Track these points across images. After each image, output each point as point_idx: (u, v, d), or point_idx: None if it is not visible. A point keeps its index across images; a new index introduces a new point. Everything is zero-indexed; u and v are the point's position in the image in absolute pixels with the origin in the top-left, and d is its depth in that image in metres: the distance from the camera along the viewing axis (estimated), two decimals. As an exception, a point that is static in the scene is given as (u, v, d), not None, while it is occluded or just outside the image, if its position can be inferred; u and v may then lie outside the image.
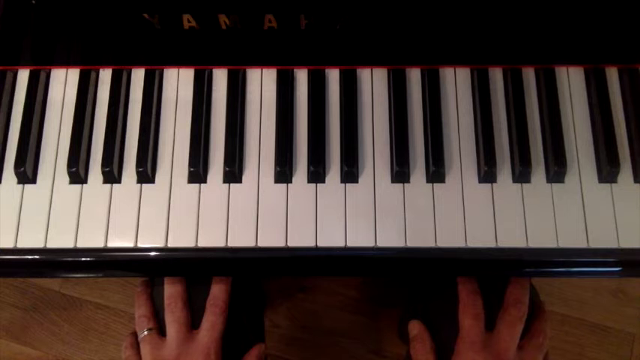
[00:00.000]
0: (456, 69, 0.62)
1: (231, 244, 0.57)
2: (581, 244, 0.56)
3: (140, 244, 0.57)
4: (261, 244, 0.57)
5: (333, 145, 0.60)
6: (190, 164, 0.58)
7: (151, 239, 0.57)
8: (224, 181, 0.59)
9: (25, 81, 0.62)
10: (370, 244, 0.57)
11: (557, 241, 0.56)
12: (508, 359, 0.59)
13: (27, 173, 0.58)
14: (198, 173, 0.58)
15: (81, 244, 0.57)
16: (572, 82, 0.61)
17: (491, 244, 0.56)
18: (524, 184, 0.58)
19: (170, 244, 0.57)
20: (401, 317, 1.06)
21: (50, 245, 0.57)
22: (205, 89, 0.61)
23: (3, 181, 0.59)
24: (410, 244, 0.56)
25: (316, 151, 0.59)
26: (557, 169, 0.57)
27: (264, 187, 0.58)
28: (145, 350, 0.62)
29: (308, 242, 0.57)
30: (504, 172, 0.58)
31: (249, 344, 0.67)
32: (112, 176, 0.58)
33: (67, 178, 0.59)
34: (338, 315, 1.19)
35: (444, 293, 0.67)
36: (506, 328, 0.60)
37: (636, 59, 0.61)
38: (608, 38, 0.59)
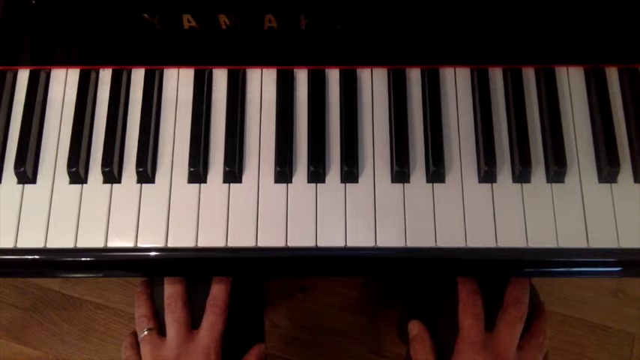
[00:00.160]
0: (456, 69, 0.62)
1: (231, 244, 0.57)
2: (581, 244, 0.56)
3: (140, 244, 0.57)
4: (261, 244, 0.57)
5: (333, 145, 0.60)
6: (190, 164, 0.58)
7: (151, 239, 0.57)
8: (224, 181, 0.59)
9: (25, 81, 0.62)
10: (370, 244, 0.57)
11: (557, 241, 0.56)
12: (508, 359, 0.59)
13: (27, 173, 0.58)
14: (198, 173, 0.58)
15: (81, 244, 0.57)
16: (572, 82, 0.61)
17: (491, 244, 0.56)
18: (524, 184, 0.58)
19: (170, 244, 0.57)
20: (401, 317, 1.06)
21: (50, 245, 0.57)
22: (205, 89, 0.61)
23: (3, 181, 0.59)
24: (410, 244, 0.56)
25: (316, 151, 0.59)
26: (557, 169, 0.57)
27: (264, 187, 0.58)
28: (145, 350, 0.62)
29: (308, 242, 0.57)
30: (504, 172, 0.58)
31: (249, 344, 0.67)
32: (112, 176, 0.58)
33: (67, 178, 0.59)
34: (338, 315, 1.19)
35: (444, 293, 0.67)
36: (506, 328, 0.60)
37: (636, 59, 0.61)
38: (608, 38, 0.59)
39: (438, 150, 0.58)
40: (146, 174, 0.58)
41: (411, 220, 0.57)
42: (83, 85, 0.61)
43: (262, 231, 0.57)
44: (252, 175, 0.59)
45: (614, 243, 0.56)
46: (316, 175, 0.58)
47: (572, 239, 0.56)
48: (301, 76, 0.62)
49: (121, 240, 0.57)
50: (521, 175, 0.58)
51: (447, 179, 0.58)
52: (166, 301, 0.63)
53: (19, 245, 0.57)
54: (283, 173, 0.58)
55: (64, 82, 0.62)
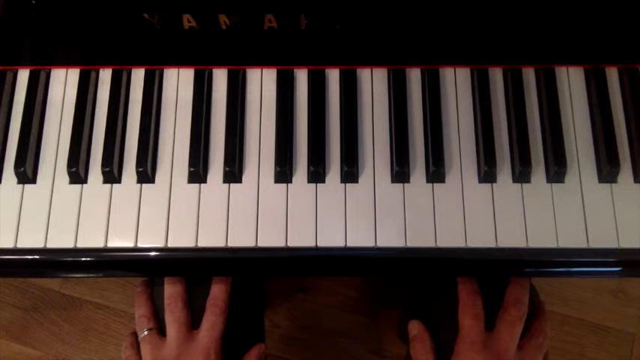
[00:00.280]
0: (456, 69, 0.62)
1: (231, 244, 0.57)
2: (581, 244, 0.56)
3: (140, 244, 0.57)
4: (261, 244, 0.57)
5: (333, 145, 0.60)
6: (190, 164, 0.58)
7: (151, 239, 0.57)
8: (224, 181, 0.59)
9: (25, 81, 0.62)
10: (370, 244, 0.57)
11: (557, 241, 0.56)
12: (508, 359, 0.59)
13: (27, 173, 0.58)
14: (198, 173, 0.58)
15: (81, 244, 0.57)
16: (572, 82, 0.61)
17: (491, 244, 0.56)
18: (524, 184, 0.58)
19: (170, 244, 0.57)
20: (401, 317, 1.06)
21: (50, 245, 0.57)
22: (205, 89, 0.61)
23: (3, 181, 0.59)
24: (410, 244, 0.56)
25: (316, 151, 0.59)
26: (557, 169, 0.57)
27: (264, 187, 0.58)
28: (145, 350, 0.62)
29: (308, 242, 0.57)
30: (504, 172, 0.58)
31: (249, 344, 0.67)
32: (112, 176, 0.58)
33: (67, 178, 0.59)
34: (338, 315, 1.19)
35: (444, 293, 0.67)
36: (506, 328, 0.60)
37: (636, 59, 0.61)
38: (608, 38, 0.59)
39: (438, 150, 0.58)
40: (146, 174, 0.58)
41: (411, 220, 0.57)
42: (83, 85, 0.61)
43: (262, 231, 0.57)
44: (252, 175, 0.59)
45: (614, 243, 0.56)
46: (316, 175, 0.58)
47: (572, 239, 0.56)
48: (301, 76, 0.62)
49: (121, 240, 0.57)
50: (521, 175, 0.58)
51: (447, 179, 0.58)
52: (166, 301, 0.63)
53: (19, 245, 0.57)
54: (283, 173, 0.58)
55: (64, 82, 0.62)
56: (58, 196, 0.58)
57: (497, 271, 0.61)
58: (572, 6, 0.56)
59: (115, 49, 0.62)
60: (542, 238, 0.56)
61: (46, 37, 0.60)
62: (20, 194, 0.58)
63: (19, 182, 0.59)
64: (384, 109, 0.61)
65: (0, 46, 0.61)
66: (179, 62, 0.62)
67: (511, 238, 0.56)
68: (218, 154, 0.59)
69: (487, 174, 0.58)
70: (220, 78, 0.62)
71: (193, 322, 0.63)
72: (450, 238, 0.56)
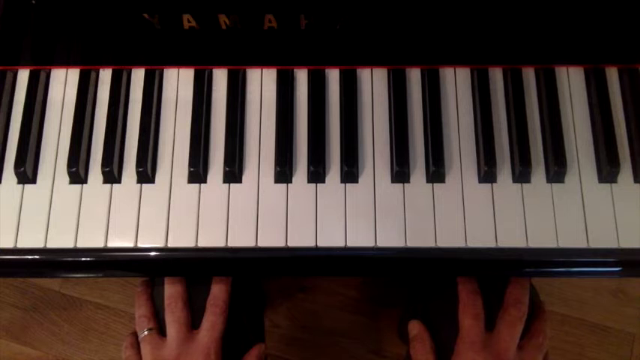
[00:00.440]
0: (456, 69, 0.62)
1: (231, 244, 0.57)
2: (581, 244, 0.56)
3: (140, 244, 0.57)
4: (261, 244, 0.57)
5: (333, 145, 0.60)
6: (190, 164, 0.58)
7: (151, 239, 0.57)
8: (224, 181, 0.59)
9: (25, 81, 0.62)
10: (370, 244, 0.57)
11: (557, 241, 0.56)
12: (508, 359, 0.59)
13: (27, 173, 0.58)
14: (198, 173, 0.58)
15: (81, 244, 0.57)
16: (572, 82, 0.61)
17: (491, 244, 0.56)
18: (524, 184, 0.58)
19: (170, 244, 0.57)
20: (401, 317, 1.06)
21: (50, 245, 0.57)
22: (205, 89, 0.61)
23: (3, 181, 0.59)
24: (410, 244, 0.56)
25: (316, 151, 0.59)
26: (557, 169, 0.57)
27: (264, 187, 0.58)
28: (145, 350, 0.62)
29: (308, 242, 0.57)
30: (504, 172, 0.58)
31: (249, 344, 0.67)
32: (112, 176, 0.58)
33: (67, 178, 0.59)
34: (338, 315, 1.19)
35: (444, 293, 0.67)
36: (506, 328, 0.60)
37: (636, 59, 0.61)
38: (608, 38, 0.59)
39: (438, 150, 0.58)
40: (146, 174, 0.58)
41: (411, 220, 0.57)
42: (83, 85, 0.61)
43: (262, 231, 0.57)
44: (252, 175, 0.59)
45: (614, 243, 0.56)
46: (316, 175, 0.58)
47: (572, 239, 0.56)
48: (301, 76, 0.62)
49: (121, 240, 0.57)
50: (521, 175, 0.58)
51: (447, 179, 0.58)
52: (166, 301, 0.63)
53: (19, 245, 0.57)
54: (283, 173, 0.58)
55: (64, 82, 0.62)
56: (58, 196, 0.58)
57: (497, 271, 0.61)
58: (572, 6, 0.56)
59: (115, 49, 0.62)
60: (542, 238, 0.56)
61: (46, 37, 0.60)
62: (20, 194, 0.58)
63: (19, 182, 0.59)
64: (384, 109, 0.61)
65: (0, 46, 0.61)
66: (179, 62, 0.62)
67: (511, 238, 0.56)
68: (218, 154, 0.59)
69: (487, 174, 0.58)
70: (220, 78, 0.62)
71: (193, 322, 0.63)
72: (450, 238, 0.56)
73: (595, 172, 0.58)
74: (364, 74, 0.62)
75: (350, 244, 0.57)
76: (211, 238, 0.57)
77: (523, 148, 0.58)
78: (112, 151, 0.59)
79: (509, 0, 0.56)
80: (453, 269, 0.60)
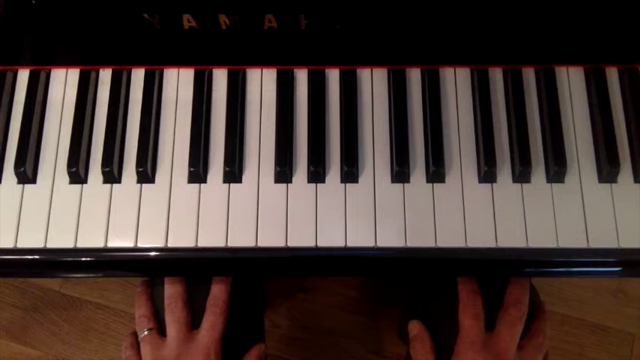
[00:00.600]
0: (456, 69, 0.62)
1: (231, 244, 0.57)
2: (581, 244, 0.56)
3: (140, 244, 0.57)
4: (261, 244, 0.57)
5: (333, 145, 0.60)
6: (190, 164, 0.58)
7: (151, 239, 0.57)
8: (224, 181, 0.59)
9: (25, 81, 0.62)
10: (370, 244, 0.57)
11: (557, 241, 0.56)
12: (508, 359, 0.59)
13: (27, 173, 0.58)
14: (198, 173, 0.58)
15: (81, 244, 0.57)
16: (572, 82, 0.61)
17: (491, 244, 0.56)
18: (524, 184, 0.58)
19: (170, 244, 0.57)
20: (401, 317, 1.06)
21: (50, 245, 0.57)
22: (205, 89, 0.61)
23: (3, 181, 0.59)
24: (410, 244, 0.56)
25: (316, 151, 0.59)
26: (557, 169, 0.57)
27: (264, 187, 0.58)
28: (145, 350, 0.62)
29: (308, 242, 0.57)
30: (504, 172, 0.58)
31: (249, 344, 0.67)
32: (112, 176, 0.58)
33: (67, 178, 0.59)
34: (338, 315, 1.19)
35: (444, 293, 0.67)
36: (506, 328, 0.60)
37: (636, 59, 0.61)
38: (608, 38, 0.59)
39: (438, 150, 0.58)
40: (146, 174, 0.58)
41: (411, 220, 0.57)
42: (83, 85, 0.61)
43: (262, 231, 0.57)
44: (252, 175, 0.59)
45: (614, 243, 0.56)
46: (316, 175, 0.58)
47: (572, 239, 0.56)
48: (301, 76, 0.62)
49: (121, 240, 0.57)
50: (521, 175, 0.58)
51: (447, 179, 0.58)
52: (166, 301, 0.63)
53: (19, 245, 0.57)
54: (283, 173, 0.58)
55: (64, 82, 0.62)
56: (58, 196, 0.58)
57: (497, 271, 0.61)
58: (572, 6, 0.56)
59: (115, 49, 0.62)
60: (542, 238, 0.56)
61: (46, 37, 0.60)
62: (20, 194, 0.58)
63: (19, 182, 0.59)
64: (384, 109, 0.61)
65: (0, 46, 0.61)
66: (179, 62, 0.62)
67: (511, 238, 0.56)
68: (218, 154, 0.59)
69: (487, 174, 0.58)
70: (220, 78, 0.62)
71: (193, 322, 0.63)
72: (450, 238, 0.56)
73: (595, 172, 0.58)
74: (364, 74, 0.62)
75: (350, 244, 0.57)
76: (211, 238, 0.57)
77: (523, 148, 0.58)
78: (112, 151, 0.59)
79: (509, 0, 0.56)
80: (453, 269, 0.60)
